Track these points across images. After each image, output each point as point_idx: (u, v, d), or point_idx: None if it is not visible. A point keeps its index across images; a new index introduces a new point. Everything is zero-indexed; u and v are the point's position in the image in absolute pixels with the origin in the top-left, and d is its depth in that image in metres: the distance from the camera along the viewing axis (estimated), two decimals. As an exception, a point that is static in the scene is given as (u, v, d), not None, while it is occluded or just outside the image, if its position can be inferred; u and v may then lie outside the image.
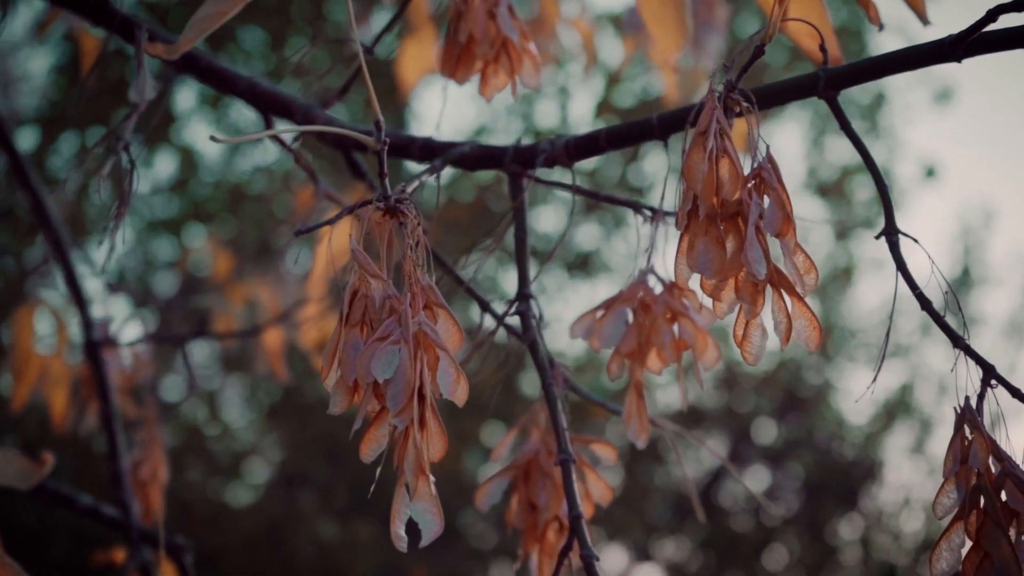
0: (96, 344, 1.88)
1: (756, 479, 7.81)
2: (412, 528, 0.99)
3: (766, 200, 1.04)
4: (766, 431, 7.86)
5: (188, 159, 6.08)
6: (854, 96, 7.73)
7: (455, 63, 1.31)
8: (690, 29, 1.43)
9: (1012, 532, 1.03)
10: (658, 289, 1.27)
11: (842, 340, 7.88)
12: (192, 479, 6.15)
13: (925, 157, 8.45)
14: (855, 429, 7.77)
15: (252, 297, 3.17)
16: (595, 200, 1.33)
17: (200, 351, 6.48)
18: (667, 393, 7.60)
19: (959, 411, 1.07)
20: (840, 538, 7.72)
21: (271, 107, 1.41)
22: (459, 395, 1.00)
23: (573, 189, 1.27)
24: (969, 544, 1.05)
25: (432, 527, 0.98)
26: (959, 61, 1.08)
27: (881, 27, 1.29)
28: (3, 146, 1.79)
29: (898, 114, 7.76)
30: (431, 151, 1.30)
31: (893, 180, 7.71)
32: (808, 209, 7.66)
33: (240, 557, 5.83)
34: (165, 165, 6.38)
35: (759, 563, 7.60)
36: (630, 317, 1.26)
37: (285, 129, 0.89)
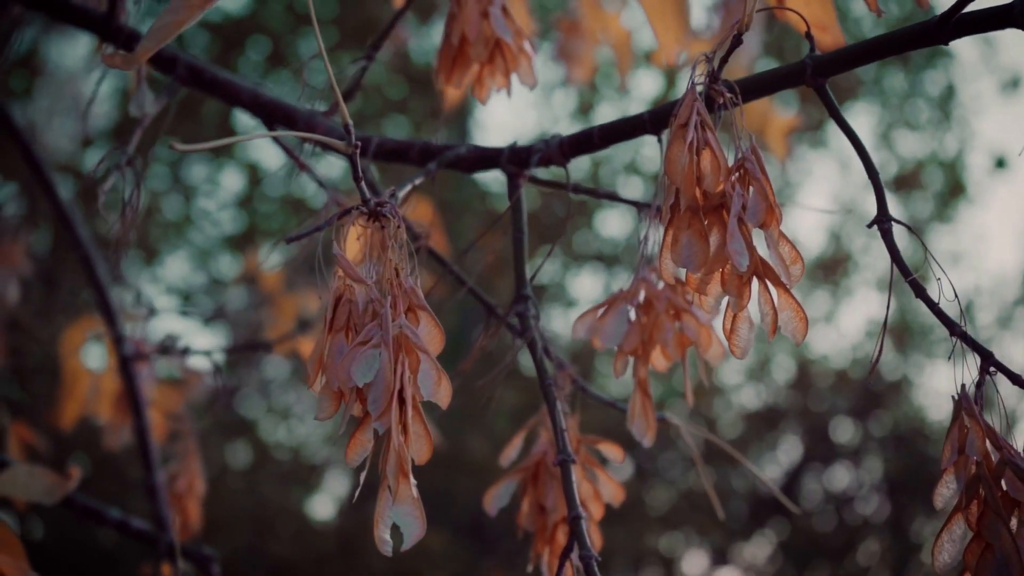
0: (127, 359, 1.90)
1: (836, 478, 7.72)
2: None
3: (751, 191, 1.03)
4: (844, 430, 7.77)
5: (253, 175, 6.15)
6: (924, 88, 7.64)
7: (450, 66, 1.31)
8: (691, 24, 1.42)
9: (1013, 522, 1.01)
10: (660, 285, 1.26)
11: (919, 335, 7.77)
12: (267, 493, 6.19)
13: (995, 147, 8.32)
14: (936, 425, 7.66)
15: (302, 310, 3.19)
16: (595, 198, 1.32)
17: (274, 367, 6.53)
18: (742, 395, 7.55)
19: (956, 399, 1.05)
20: (924, 537, 7.62)
21: (274, 116, 1.42)
22: (441, 397, 0.99)
23: (569, 188, 1.26)
24: (970, 535, 1.03)
25: (414, 530, 0.97)
26: (946, 43, 1.06)
27: (880, 14, 1.27)
28: (26, 157, 1.81)
29: (968, 105, 7.64)
30: (429, 154, 1.30)
31: (966, 171, 7.60)
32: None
33: (314, 569, 5.86)
34: (231, 180, 6.46)
35: (840, 564, 7.51)
36: (632, 314, 1.25)
37: (254, 135, 0.89)
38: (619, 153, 6.96)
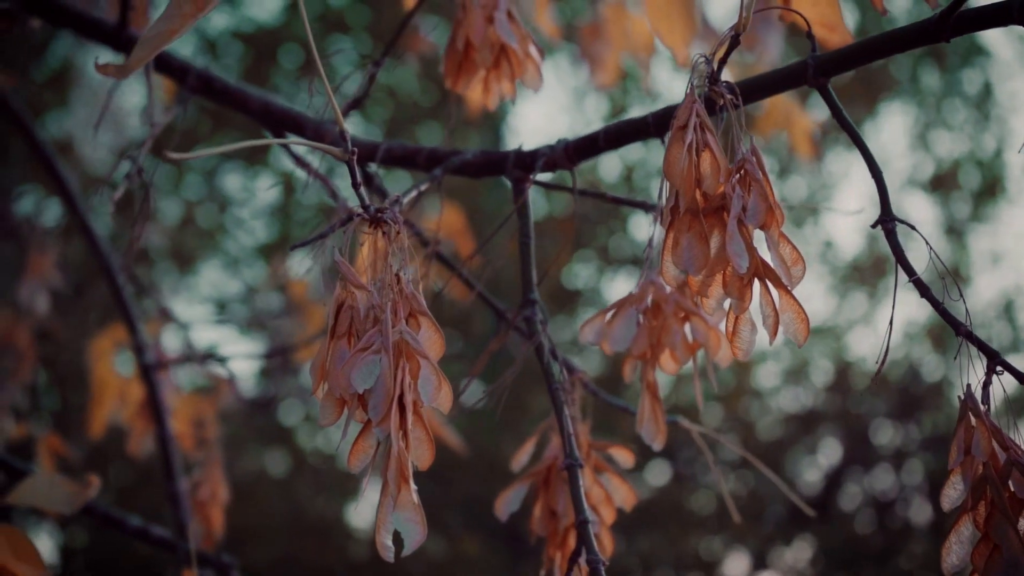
0: (149, 367, 1.91)
1: (878, 481, 7.67)
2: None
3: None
4: (884, 432, 7.72)
5: (288, 183, 6.17)
6: (961, 87, 7.59)
7: (456, 71, 1.31)
8: (699, 25, 1.41)
9: (1021, 523, 1.00)
10: (669, 288, 1.25)
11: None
12: (304, 500, 6.21)
13: (1035, 145, 8.23)
14: (979, 427, 7.56)
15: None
16: (602, 201, 1.32)
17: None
18: (780, 398, 7.52)
19: (962, 400, 1.05)
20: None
21: (284, 124, 1.42)
22: (442, 402, 0.99)
23: (575, 191, 1.26)
24: (978, 536, 1.02)
25: (415, 535, 0.97)
26: (947, 41, 1.05)
27: (885, 12, 1.26)
28: (47, 168, 1.83)
29: (1006, 103, 7.58)
30: (436, 160, 1.30)
31: (1005, 170, 7.54)
32: (916, 204, 7.53)
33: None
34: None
35: (883, 567, 7.46)
36: (640, 318, 1.24)
37: (243, 144, 0.90)
38: (654, 157, 6.94)
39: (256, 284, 6.22)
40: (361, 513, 7.00)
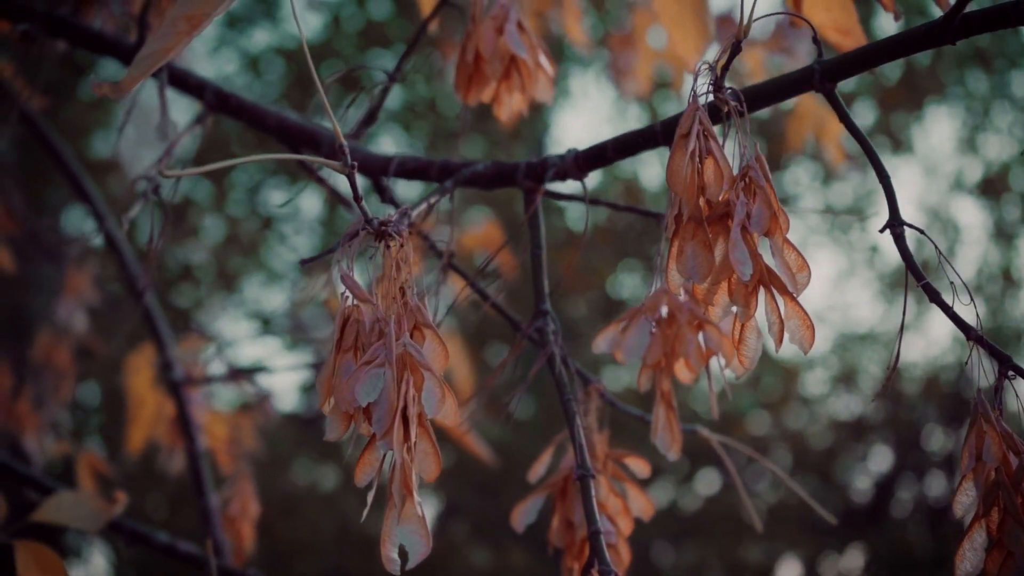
0: (177, 383, 1.92)
1: (932, 488, 7.60)
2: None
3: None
4: (936, 439, 7.64)
5: (333, 195, 6.19)
6: (1009, 90, 7.52)
7: (467, 83, 1.31)
8: (712, 32, 1.41)
9: (1035, 528, 0.99)
10: (683, 297, 1.25)
11: (1013, 340, 7.62)
12: (353, 514, 6.23)
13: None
14: (1032, 431, 7.48)
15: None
16: (615, 210, 1.31)
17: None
18: (830, 405, 7.47)
19: (973, 404, 1.04)
20: (1021, 546, 7.44)
21: (300, 140, 1.43)
22: (447, 414, 0.99)
23: (586, 200, 1.26)
24: (991, 543, 1.01)
25: (419, 549, 0.97)
26: (953, 43, 1.04)
27: (898, 17, 1.25)
28: (75, 188, 1.85)
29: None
30: (448, 171, 1.30)
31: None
32: (965, 208, 7.46)
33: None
34: (310, 204, 6.52)
35: (936, 574, 7.38)
36: (654, 327, 1.24)
37: (242, 160, 0.90)
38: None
39: (297, 299, 6.24)
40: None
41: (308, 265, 1.12)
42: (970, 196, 7.38)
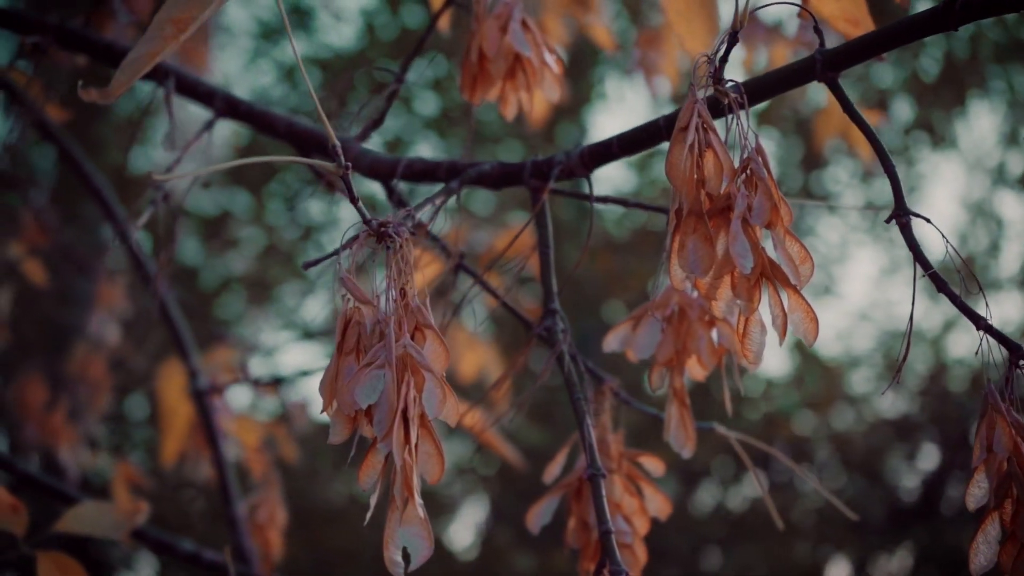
0: (202, 393, 1.93)
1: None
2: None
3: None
4: (984, 435, 7.54)
5: (371, 207, 6.21)
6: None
7: (472, 83, 1.31)
8: (720, 27, 1.39)
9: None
10: (694, 293, 1.23)
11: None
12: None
13: None
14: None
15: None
16: (625, 207, 1.31)
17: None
18: (875, 403, 7.41)
19: (984, 395, 1.02)
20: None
21: (309, 144, 1.43)
22: (448, 415, 0.99)
23: (592, 199, 1.25)
24: (1005, 535, 1.00)
25: (421, 551, 0.97)
26: (955, 29, 1.03)
27: (905, 4, 1.24)
28: (96, 198, 1.86)
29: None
30: (456, 172, 1.29)
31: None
32: (1008, 203, 7.40)
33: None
34: (350, 212, 6.51)
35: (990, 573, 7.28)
36: (665, 324, 1.23)
37: (239, 162, 0.90)
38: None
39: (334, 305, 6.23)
40: (456, 535, 7.01)
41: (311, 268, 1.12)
42: (1013, 190, 7.30)
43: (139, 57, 0.87)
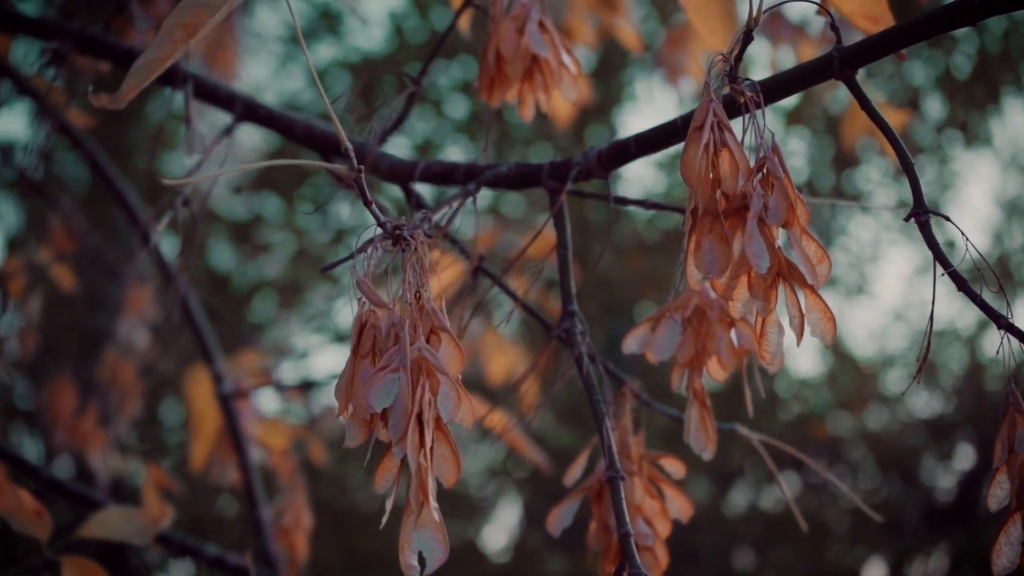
0: (227, 397, 1.93)
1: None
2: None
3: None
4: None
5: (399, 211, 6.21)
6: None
7: (490, 84, 1.30)
8: (740, 26, 1.38)
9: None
10: (713, 294, 1.22)
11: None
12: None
13: None
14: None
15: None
16: (644, 208, 1.30)
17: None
18: (910, 403, 7.37)
19: (1006, 395, 1.01)
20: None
21: (328, 148, 1.43)
22: (463, 418, 0.98)
23: (611, 199, 1.24)
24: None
25: (437, 554, 0.96)
26: (974, 24, 1.02)
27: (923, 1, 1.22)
28: (120, 203, 1.86)
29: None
30: (474, 174, 1.29)
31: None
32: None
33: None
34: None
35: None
36: (684, 325, 1.22)
37: (250, 166, 0.90)
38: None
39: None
40: (491, 537, 7.01)
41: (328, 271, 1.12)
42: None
43: (149, 62, 0.87)
